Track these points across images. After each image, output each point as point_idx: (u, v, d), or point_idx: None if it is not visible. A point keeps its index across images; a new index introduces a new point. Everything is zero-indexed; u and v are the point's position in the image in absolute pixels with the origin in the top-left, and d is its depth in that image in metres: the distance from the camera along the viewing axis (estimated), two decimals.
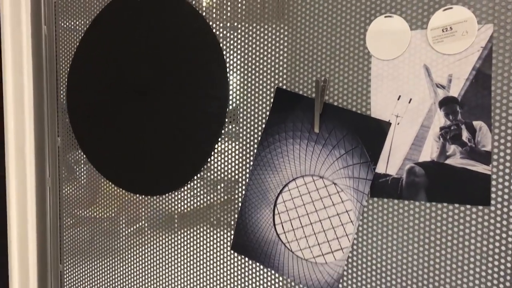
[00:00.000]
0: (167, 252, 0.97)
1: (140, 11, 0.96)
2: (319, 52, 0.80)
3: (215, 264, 0.92)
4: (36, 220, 1.10)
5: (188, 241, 0.95)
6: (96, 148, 1.03)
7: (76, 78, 1.04)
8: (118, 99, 0.99)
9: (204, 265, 0.93)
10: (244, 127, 0.88)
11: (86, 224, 1.07)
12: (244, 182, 0.88)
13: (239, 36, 0.87)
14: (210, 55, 0.89)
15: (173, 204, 0.96)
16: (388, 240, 0.77)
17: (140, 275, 1.01)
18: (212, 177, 0.92)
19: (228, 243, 0.91)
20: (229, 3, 0.88)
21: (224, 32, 0.89)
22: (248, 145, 0.87)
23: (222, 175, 0.90)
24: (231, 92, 0.88)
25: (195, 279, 0.94)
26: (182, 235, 0.95)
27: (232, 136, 0.89)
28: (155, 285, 0.99)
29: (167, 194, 0.96)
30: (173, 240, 0.96)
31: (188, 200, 0.94)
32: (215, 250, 0.92)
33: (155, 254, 0.99)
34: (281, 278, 0.85)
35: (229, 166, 0.89)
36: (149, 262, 1.00)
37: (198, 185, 0.93)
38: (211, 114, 0.90)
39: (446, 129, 0.73)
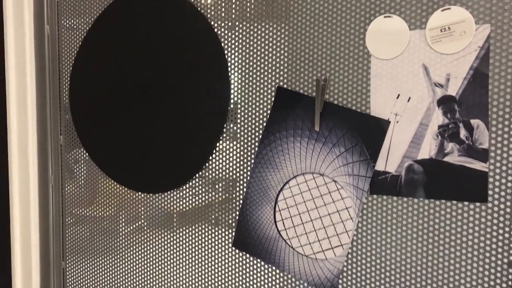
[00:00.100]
0: (167, 250, 0.98)
1: (142, 10, 0.97)
2: (319, 52, 0.82)
3: (213, 262, 0.93)
4: (39, 217, 1.11)
5: (187, 239, 0.96)
6: (98, 146, 1.04)
7: (79, 77, 1.06)
8: (120, 98, 1.00)
9: (203, 263, 0.94)
10: (244, 126, 0.89)
11: (88, 222, 1.08)
12: (243, 181, 0.89)
13: (240, 36, 0.88)
14: (211, 54, 0.91)
15: (173, 203, 0.97)
16: (387, 236, 0.78)
17: (141, 272, 1.02)
18: (211, 176, 0.93)
19: (227, 242, 0.92)
20: (230, 3, 0.89)
21: (226, 31, 0.90)
22: (247, 144, 0.89)
23: (221, 174, 0.92)
24: (231, 91, 0.89)
25: (194, 277, 0.96)
26: (181, 234, 0.97)
27: (231, 135, 0.91)
28: (155, 283, 1.00)
29: (168, 193, 0.97)
30: (172, 239, 0.97)
31: (188, 199, 0.96)
32: (214, 249, 0.93)
33: (155, 252, 1.00)
34: (278, 276, 0.86)
35: (229, 165, 0.90)
36: (149, 260, 1.01)
37: (197, 184, 0.95)
38: (212, 113, 0.91)
39: (444, 127, 0.74)
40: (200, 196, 0.95)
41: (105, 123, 1.03)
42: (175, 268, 0.98)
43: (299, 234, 0.84)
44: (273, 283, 0.87)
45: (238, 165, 0.90)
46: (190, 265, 0.96)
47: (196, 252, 0.95)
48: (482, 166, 0.72)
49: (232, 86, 0.90)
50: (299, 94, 0.83)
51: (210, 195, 0.94)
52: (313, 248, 0.83)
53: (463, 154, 0.73)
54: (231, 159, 0.90)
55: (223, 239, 0.92)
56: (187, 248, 0.96)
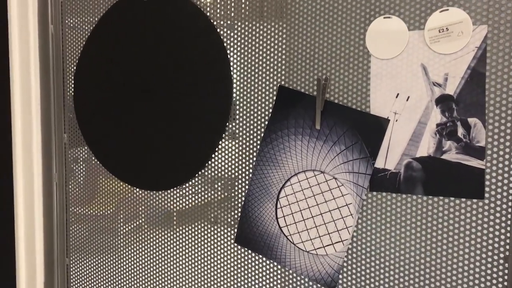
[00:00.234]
0: (167, 248, 1.00)
1: (146, 10, 0.99)
2: (320, 52, 0.83)
3: (212, 261, 0.95)
4: (43, 214, 1.12)
5: (188, 237, 0.97)
6: (102, 144, 1.05)
7: (83, 76, 1.07)
8: (123, 97, 1.02)
9: (203, 261, 0.96)
10: (243, 125, 0.90)
11: (92, 219, 1.09)
12: (242, 180, 0.91)
13: (242, 36, 0.90)
14: (214, 54, 0.92)
15: (174, 201, 0.99)
16: (386, 232, 0.80)
17: (143, 269, 1.04)
18: (211, 175, 0.94)
19: (226, 240, 0.93)
20: (232, 3, 0.91)
21: (228, 31, 0.91)
22: (247, 143, 0.90)
23: (221, 173, 0.93)
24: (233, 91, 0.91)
25: (194, 274, 0.97)
26: (182, 231, 0.98)
27: (230, 134, 0.92)
28: (158, 279, 1.02)
29: (169, 191, 0.99)
30: (172, 236, 0.99)
31: (188, 197, 0.97)
32: (213, 247, 0.95)
33: (155, 250, 1.02)
34: (277, 274, 0.88)
35: (228, 164, 0.92)
36: (150, 257, 1.02)
37: (197, 182, 0.96)
38: (214, 112, 0.92)
39: (442, 125, 0.76)
40: (200, 195, 0.96)
41: (108, 122, 1.04)
42: (177, 265, 0.99)
43: (300, 230, 0.85)
44: (272, 279, 0.89)
45: (237, 164, 0.91)
46: (191, 262, 0.98)
47: (196, 250, 0.97)
48: (479, 163, 0.73)
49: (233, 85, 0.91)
50: (300, 93, 0.85)
51: (209, 194, 0.95)
52: (314, 244, 0.84)
53: (460, 152, 0.74)
54: (230, 158, 0.92)
55: (222, 237, 0.94)
56: (188, 246, 0.98)
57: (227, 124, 0.92)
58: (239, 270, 0.93)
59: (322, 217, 0.84)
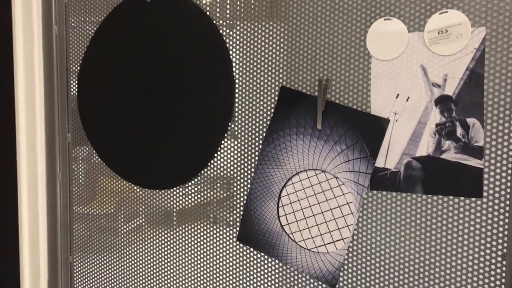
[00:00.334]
0: (170, 246, 1.01)
1: (149, 11, 1.00)
2: (321, 53, 0.85)
3: (212, 260, 0.96)
4: (47, 213, 1.13)
5: (188, 236, 0.99)
6: (106, 144, 1.07)
7: (86, 76, 1.08)
8: (127, 97, 1.03)
9: (203, 260, 0.97)
10: (244, 125, 0.92)
11: (95, 218, 1.11)
12: (243, 179, 0.92)
13: (244, 37, 0.91)
14: (216, 54, 0.93)
15: (175, 200, 1.00)
16: (386, 230, 0.81)
17: (146, 266, 1.05)
18: (211, 174, 0.96)
19: (226, 240, 0.95)
20: (235, 4, 0.92)
21: (230, 32, 0.93)
22: (248, 143, 0.91)
23: (221, 173, 0.95)
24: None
25: (195, 273, 0.99)
26: (183, 230, 1.00)
27: (229, 134, 0.93)
28: (159, 278, 1.03)
29: (170, 190, 1.00)
30: (174, 235, 1.00)
31: (190, 196, 0.98)
32: (212, 247, 0.96)
33: (158, 248, 1.03)
34: (276, 272, 0.90)
35: (228, 164, 0.93)
36: (153, 256, 1.04)
37: (197, 182, 0.97)
38: (217, 112, 0.94)
39: (441, 125, 0.77)
40: (200, 194, 0.97)
41: (112, 122, 1.05)
42: (178, 264, 1.01)
43: (301, 229, 0.87)
44: (272, 278, 0.90)
45: (237, 163, 0.93)
46: (191, 261, 0.99)
47: (196, 249, 0.98)
48: (477, 163, 0.75)
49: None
50: (301, 94, 0.86)
51: (209, 193, 0.97)
52: (315, 242, 0.86)
53: (459, 152, 0.76)
54: (230, 157, 0.93)
55: (222, 236, 0.95)
56: (188, 245, 0.99)
57: (230, 124, 0.93)
58: (239, 269, 0.94)
59: (323, 215, 0.85)
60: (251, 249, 0.93)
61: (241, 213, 0.93)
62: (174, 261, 1.02)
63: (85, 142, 1.10)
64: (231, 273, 0.96)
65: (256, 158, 0.91)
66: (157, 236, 1.04)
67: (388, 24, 0.79)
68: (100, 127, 1.07)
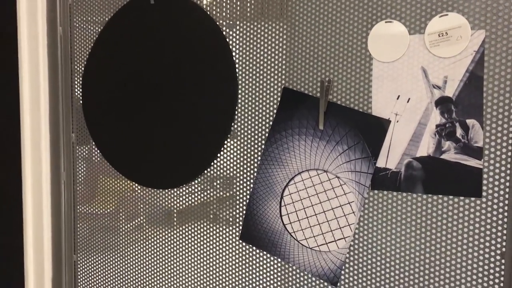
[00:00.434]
0: (171, 245, 1.03)
1: (153, 13, 1.01)
2: (323, 55, 0.86)
3: (212, 259, 0.98)
4: (51, 212, 1.15)
5: (188, 236, 1.00)
6: (109, 143, 1.08)
7: (91, 76, 1.10)
8: (131, 97, 1.05)
9: (203, 259, 0.99)
10: (244, 125, 0.93)
11: (99, 217, 1.12)
12: (246, 179, 0.93)
13: (248, 39, 0.92)
14: (219, 55, 0.95)
15: (175, 199, 1.01)
16: (387, 229, 0.83)
17: (150, 265, 1.06)
18: (214, 174, 0.97)
19: (226, 239, 0.96)
20: (237, 5, 0.93)
21: (230, 32, 0.94)
22: (250, 143, 0.93)
23: (222, 172, 0.96)
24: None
25: (197, 274, 1.00)
26: (184, 230, 1.01)
27: (233, 134, 0.95)
28: (165, 276, 1.05)
29: (171, 189, 1.01)
30: (175, 234, 1.02)
31: (193, 195, 1.00)
32: (212, 246, 0.97)
33: (158, 247, 1.04)
34: (276, 271, 0.91)
35: (228, 163, 0.95)
36: (154, 255, 1.05)
37: (198, 181, 0.99)
38: (220, 112, 0.95)
39: (441, 126, 0.78)
40: (202, 193, 0.99)
41: (116, 122, 1.07)
42: (183, 261, 1.02)
43: (303, 228, 0.88)
44: (272, 277, 0.92)
45: (237, 163, 0.94)
46: (192, 260, 1.00)
47: (196, 248, 0.99)
48: (477, 163, 0.76)
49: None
50: (304, 95, 0.88)
51: (209, 192, 0.98)
52: (317, 240, 0.87)
53: (459, 152, 0.77)
54: (231, 157, 0.95)
55: (221, 236, 0.97)
56: (188, 244, 1.00)
57: (233, 124, 0.94)
58: (239, 268, 0.96)
59: (325, 214, 0.86)
60: (252, 248, 0.94)
61: (242, 212, 0.94)
62: (176, 259, 1.03)
63: (89, 141, 1.11)
64: (231, 272, 0.97)
65: (259, 158, 0.92)
66: (159, 235, 1.05)
67: (389, 26, 0.80)
68: (104, 127, 1.08)
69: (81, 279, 1.15)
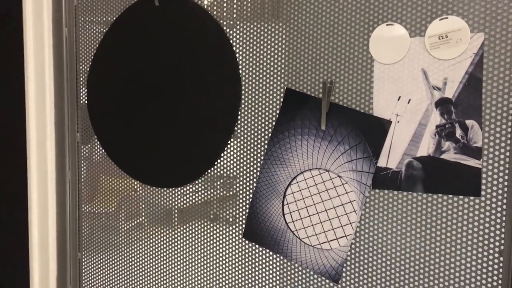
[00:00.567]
0: (171, 244, 1.04)
1: (158, 14, 1.03)
2: (326, 56, 0.88)
3: (213, 258, 0.99)
4: (56, 211, 1.16)
5: (189, 235, 1.01)
6: (114, 143, 1.09)
7: (96, 76, 1.11)
8: (135, 97, 1.06)
9: (203, 258, 1.00)
10: (249, 125, 0.94)
11: (104, 215, 1.13)
12: (246, 178, 0.95)
13: (251, 41, 0.94)
14: (223, 56, 0.96)
15: (176, 199, 1.03)
16: (388, 227, 0.84)
17: (154, 263, 1.08)
18: (217, 174, 0.99)
19: (226, 238, 0.98)
20: (240, 6, 0.95)
21: (236, 35, 0.95)
22: (253, 143, 0.94)
23: (227, 171, 0.97)
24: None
25: (197, 273, 1.01)
26: (184, 229, 1.02)
27: (236, 134, 0.96)
28: (169, 274, 1.06)
29: (172, 189, 1.03)
30: (175, 233, 1.03)
31: (197, 195, 1.01)
32: (213, 245, 0.99)
33: (159, 246, 1.06)
34: (276, 269, 0.92)
35: (228, 163, 0.96)
36: (157, 253, 1.06)
37: (197, 181, 1.00)
38: (224, 112, 0.97)
39: (441, 127, 0.80)
40: (204, 192, 1.00)
41: (121, 122, 1.08)
42: (185, 260, 1.03)
43: (306, 226, 0.90)
44: (272, 275, 0.93)
45: (238, 162, 0.95)
46: (192, 259, 1.02)
47: (196, 248, 1.01)
48: (476, 163, 0.78)
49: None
50: (306, 96, 0.89)
51: (213, 192, 0.99)
52: (319, 238, 0.89)
53: (458, 152, 0.79)
54: (234, 156, 0.96)
55: (221, 235, 0.98)
56: (188, 243, 1.02)
57: (236, 124, 0.96)
58: (240, 267, 0.97)
59: (326, 213, 0.88)
60: (252, 247, 0.95)
61: (243, 211, 0.96)
62: (176, 259, 1.04)
63: (94, 141, 1.13)
64: (232, 270, 0.98)
65: (261, 157, 0.94)
66: (160, 234, 1.06)
67: (391, 29, 0.82)
68: (109, 127, 1.10)
69: (86, 277, 1.17)
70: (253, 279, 0.96)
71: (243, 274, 0.98)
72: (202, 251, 1.02)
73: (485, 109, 0.77)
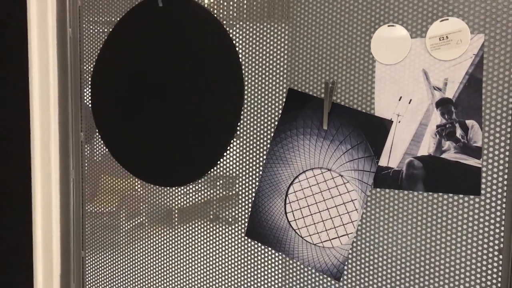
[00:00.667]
0: (172, 243, 1.05)
1: (161, 15, 1.04)
2: (328, 57, 0.89)
3: (213, 257, 1.00)
4: (60, 209, 1.17)
5: (189, 235, 1.02)
6: (118, 142, 1.10)
7: (100, 76, 1.12)
8: (139, 97, 1.07)
9: (204, 258, 1.01)
10: (251, 125, 0.95)
11: (107, 214, 1.14)
12: (248, 178, 0.96)
13: (254, 41, 0.95)
14: (226, 57, 0.97)
15: (177, 198, 1.04)
16: (389, 226, 0.85)
17: (157, 261, 1.09)
18: (220, 173, 1.00)
19: (226, 238, 0.99)
20: (242, 6, 0.96)
21: (239, 35, 0.97)
22: (253, 142, 0.95)
23: (229, 171, 0.98)
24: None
25: (198, 272, 1.02)
26: (184, 228, 1.03)
27: (238, 134, 0.97)
28: (173, 274, 1.07)
29: (172, 188, 1.04)
30: (176, 233, 1.04)
31: (190, 195, 1.02)
32: (213, 245, 1.00)
33: (160, 245, 1.07)
34: (276, 269, 0.93)
35: (229, 163, 0.97)
36: (157, 253, 1.07)
37: (198, 180, 1.01)
38: (227, 112, 0.98)
39: (442, 127, 0.81)
40: (205, 192, 1.01)
41: (125, 121, 1.09)
42: (186, 259, 1.04)
43: (307, 224, 0.91)
44: (272, 275, 0.94)
45: (245, 161, 0.97)
46: (193, 259, 1.03)
47: (196, 247, 1.02)
48: (476, 162, 0.79)
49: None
50: (308, 96, 0.90)
51: (215, 191, 1.01)
52: (320, 237, 0.90)
53: (458, 152, 0.80)
54: (236, 155, 0.97)
55: (222, 234, 0.99)
56: (188, 243, 1.03)
57: (239, 124, 0.97)
58: (241, 266, 0.98)
59: (328, 212, 0.89)
60: (253, 247, 0.96)
61: (244, 211, 0.97)
62: (176, 258, 1.05)
63: (98, 140, 1.14)
64: (232, 270, 0.99)
65: (263, 157, 0.95)
66: (161, 233, 1.07)
67: (392, 30, 0.83)
68: (113, 126, 1.11)
69: (89, 275, 1.18)
70: (254, 278, 0.97)
71: (244, 274, 0.99)
72: (203, 250, 1.03)
73: (485, 109, 0.78)
